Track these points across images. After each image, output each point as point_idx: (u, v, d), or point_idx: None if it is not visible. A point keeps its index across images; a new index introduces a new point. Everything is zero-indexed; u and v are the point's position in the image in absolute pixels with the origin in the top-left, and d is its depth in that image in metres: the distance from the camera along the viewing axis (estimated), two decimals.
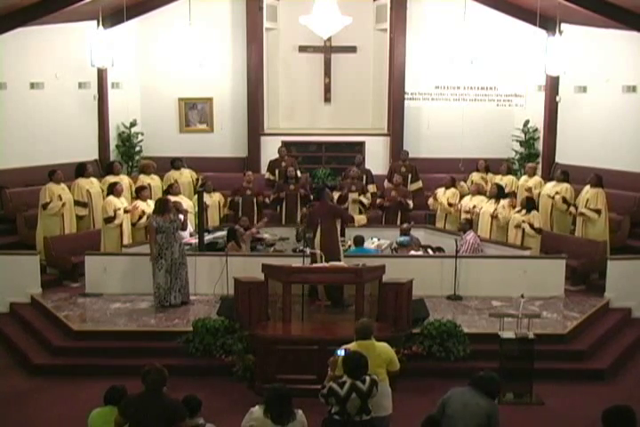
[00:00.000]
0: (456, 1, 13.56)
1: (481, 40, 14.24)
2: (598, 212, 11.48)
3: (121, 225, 11.35)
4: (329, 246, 9.89)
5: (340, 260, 9.74)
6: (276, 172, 13.68)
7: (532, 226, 11.15)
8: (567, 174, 12.24)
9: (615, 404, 4.82)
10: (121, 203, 11.47)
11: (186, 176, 13.21)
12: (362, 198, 12.80)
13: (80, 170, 12.10)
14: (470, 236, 11.20)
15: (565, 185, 12.04)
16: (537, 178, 12.82)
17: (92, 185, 12.09)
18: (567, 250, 10.94)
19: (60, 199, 11.50)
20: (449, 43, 14.08)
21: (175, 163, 13.22)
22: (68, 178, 12.02)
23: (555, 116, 14.35)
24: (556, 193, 11.97)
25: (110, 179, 12.19)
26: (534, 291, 9.89)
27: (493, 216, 11.67)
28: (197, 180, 13.15)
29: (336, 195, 12.77)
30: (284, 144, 14.64)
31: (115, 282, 10.41)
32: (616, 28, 12.21)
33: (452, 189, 12.79)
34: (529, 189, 12.43)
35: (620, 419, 4.71)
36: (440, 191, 12.81)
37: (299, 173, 13.48)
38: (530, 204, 11.39)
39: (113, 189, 11.53)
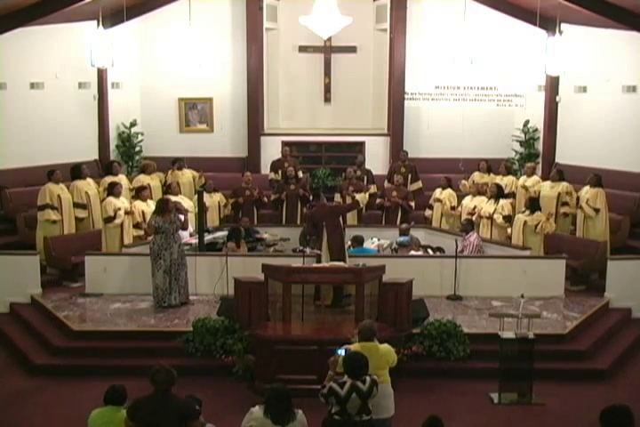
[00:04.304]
0: (456, 1, 13.54)
1: (481, 40, 14.24)
2: (597, 211, 11.49)
3: (122, 225, 11.36)
4: (337, 246, 9.91)
5: (345, 260, 9.75)
6: (280, 172, 13.66)
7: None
8: (562, 173, 12.27)
9: (613, 403, 4.82)
10: (121, 202, 11.48)
11: (187, 176, 13.23)
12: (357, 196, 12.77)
13: (76, 172, 12.03)
14: (473, 237, 11.21)
15: (564, 184, 12.06)
16: (535, 177, 12.83)
17: (89, 187, 12.07)
18: (567, 250, 10.95)
19: (58, 209, 11.50)
20: (449, 43, 14.05)
21: (177, 163, 13.24)
22: (68, 178, 12.02)
23: (555, 116, 14.35)
24: (559, 194, 11.98)
25: (109, 179, 12.19)
26: (534, 291, 9.88)
27: (488, 218, 11.70)
28: (198, 179, 13.18)
29: (337, 196, 12.83)
30: (284, 144, 14.64)
31: (115, 282, 10.41)
32: (616, 28, 12.21)
33: (449, 190, 12.80)
34: (525, 188, 12.44)
35: (617, 418, 4.72)
36: (437, 192, 12.85)
37: (300, 174, 13.51)
38: (534, 204, 11.39)
39: (112, 190, 11.52)
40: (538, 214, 11.28)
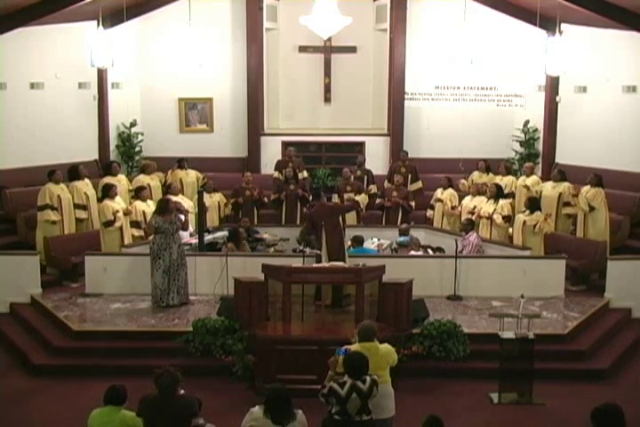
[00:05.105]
0: (456, 1, 13.54)
1: (481, 40, 14.22)
2: (592, 208, 11.49)
3: (121, 226, 11.35)
4: (336, 246, 9.91)
5: (344, 260, 9.75)
6: (284, 172, 13.63)
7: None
8: (564, 173, 12.28)
9: (605, 402, 4.83)
10: (118, 204, 11.45)
11: (191, 176, 13.27)
12: (358, 197, 12.79)
13: (73, 173, 12.00)
14: (473, 237, 11.21)
15: (565, 184, 12.07)
16: (535, 177, 12.83)
17: (87, 187, 12.04)
18: (567, 250, 10.94)
19: (58, 209, 11.49)
20: (449, 43, 14.07)
21: (181, 163, 13.26)
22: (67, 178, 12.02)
23: (555, 116, 14.34)
24: (560, 194, 11.98)
25: (106, 180, 12.17)
26: (534, 291, 9.88)
27: (487, 218, 11.70)
28: (202, 179, 13.21)
29: (335, 197, 12.82)
30: (285, 144, 14.64)
31: (115, 282, 10.41)
32: (616, 28, 12.21)
33: (450, 190, 12.80)
34: (526, 187, 12.44)
35: (609, 417, 4.72)
36: (438, 192, 12.85)
37: (305, 174, 13.49)
38: (533, 204, 11.38)
39: (108, 192, 11.48)
40: (537, 214, 11.28)
